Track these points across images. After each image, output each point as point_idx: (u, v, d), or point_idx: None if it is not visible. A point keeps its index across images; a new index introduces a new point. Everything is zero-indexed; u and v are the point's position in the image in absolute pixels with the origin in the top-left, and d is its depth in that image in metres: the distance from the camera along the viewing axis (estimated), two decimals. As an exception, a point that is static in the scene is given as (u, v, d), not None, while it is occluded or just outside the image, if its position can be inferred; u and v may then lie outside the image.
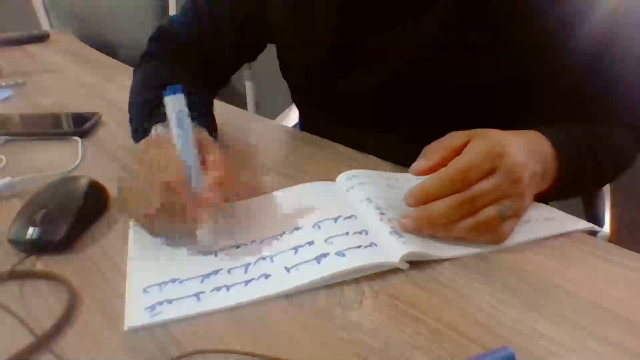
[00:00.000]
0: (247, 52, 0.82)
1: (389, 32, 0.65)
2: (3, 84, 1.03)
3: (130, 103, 0.71)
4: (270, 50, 0.81)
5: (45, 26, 1.79)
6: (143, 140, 0.54)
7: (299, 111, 0.89)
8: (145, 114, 0.62)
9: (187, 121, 0.48)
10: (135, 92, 0.72)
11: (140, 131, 0.62)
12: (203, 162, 0.49)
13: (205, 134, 0.55)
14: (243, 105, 1.37)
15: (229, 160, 0.51)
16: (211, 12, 0.76)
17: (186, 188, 0.47)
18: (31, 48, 1.35)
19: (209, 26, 0.77)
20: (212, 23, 0.76)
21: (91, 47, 1.36)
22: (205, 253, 0.47)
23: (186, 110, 0.48)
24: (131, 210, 0.50)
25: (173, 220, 0.47)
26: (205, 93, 0.73)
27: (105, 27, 1.77)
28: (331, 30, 0.69)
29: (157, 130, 0.56)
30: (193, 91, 0.68)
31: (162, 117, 0.53)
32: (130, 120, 0.70)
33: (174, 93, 0.47)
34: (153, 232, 0.49)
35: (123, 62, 1.19)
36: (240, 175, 0.53)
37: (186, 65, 0.75)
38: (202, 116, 0.62)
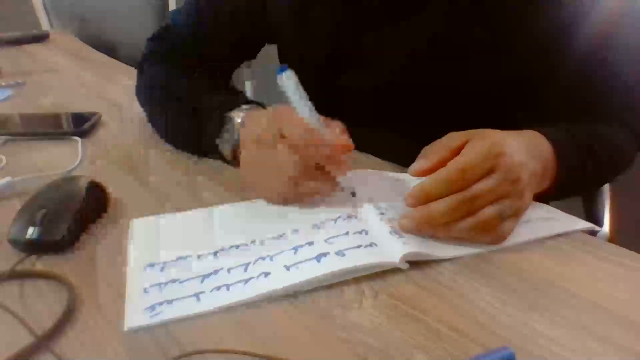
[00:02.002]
0: (248, 50, 0.82)
1: (388, 31, 0.65)
2: (3, 84, 1.03)
3: (166, 105, 0.71)
4: (271, 50, 0.81)
5: (45, 26, 1.79)
6: (254, 123, 0.56)
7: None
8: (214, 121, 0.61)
9: (302, 91, 0.52)
10: (165, 92, 0.72)
11: (205, 138, 0.62)
12: None
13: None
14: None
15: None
16: (212, 12, 0.76)
17: (323, 146, 0.50)
18: (31, 48, 1.35)
19: (210, 25, 0.77)
20: (213, 22, 0.76)
21: (91, 47, 1.36)
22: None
23: (298, 82, 0.52)
24: (271, 189, 0.53)
25: (317, 177, 0.51)
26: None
27: (105, 27, 1.77)
28: (331, 30, 0.69)
29: (247, 112, 0.58)
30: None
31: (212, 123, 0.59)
32: (163, 123, 0.72)
33: (284, 70, 0.52)
34: (295, 197, 0.53)
35: (123, 62, 1.19)
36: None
37: (188, 65, 0.75)
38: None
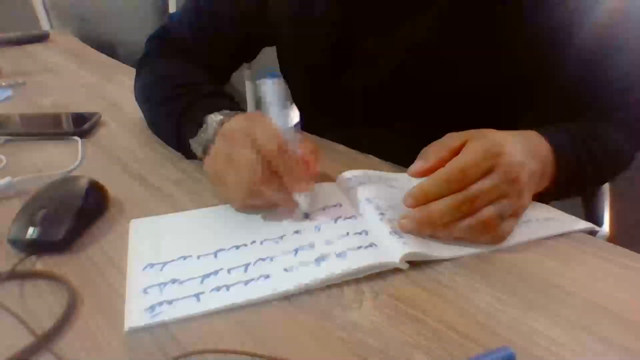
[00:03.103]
0: (246, 51, 0.82)
1: (387, 32, 0.65)
2: (3, 84, 1.03)
3: (154, 107, 0.72)
4: (271, 50, 0.81)
5: (45, 26, 1.79)
6: (230, 123, 0.55)
7: (299, 111, 0.89)
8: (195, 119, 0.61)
9: (287, 102, 0.51)
10: (155, 94, 0.72)
11: (186, 135, 0.62)
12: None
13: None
14: (243, 105, 1.37)
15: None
16: (212, 11, 0.76)
17: (288, 156, 0.49)
18: (31, 48, 1.35)
19: (209, 25, 0.77)
20: (213, 22, 0.76)
21: (91, 47, 1.36)
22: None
23: (285, 91, 0.51)
24: (228, 189, 0.52)
25: (275, 187, 0.49)
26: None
27: (105, 27, 1.77)
28: (331, 31, 0.69)
29: (226, 116, 0.57)
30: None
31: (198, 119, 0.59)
32: (154, 123, 0.72)
33: (273, 77, 0.51)
34: (250, 202, 0.51)
35: (123, 62, 1.19)
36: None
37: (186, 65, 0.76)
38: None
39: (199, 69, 0.75)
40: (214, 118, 0.58)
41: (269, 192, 0.50)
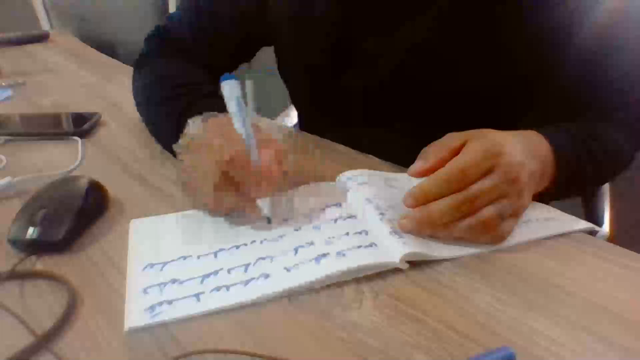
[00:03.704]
0: (246, 51, 0.82)
1: (389, 31, 0.65)
2: (3, 84, 1.03)
3: (153, 107, 0.72)
4: (271, 50, 0.81)
5: (45, 26, 1.79)
6: (203, 125, 0.56)
7: (297, 111, 0.89)
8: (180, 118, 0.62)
9: (243, 104, 0.50)
10: (154, 94, 0.72)
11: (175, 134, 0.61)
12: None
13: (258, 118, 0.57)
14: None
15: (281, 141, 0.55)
16: (212, 11, 0.76)
17: (249, 162, 0.50)
18: (31, 48, 1.35)
19: (209, 25, 0.77)
20: (213, 22, 0.76)
21: (91, 47, 1.36)
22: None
23: (241, 93, 0.51)
24: (196, 189, 0.52)
25: (235, 192, 0.50)
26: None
27: (105, 27, 1.77)
28: (331, 31, 0.69)
29: (207, 118, 0.57)
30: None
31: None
32: (153, 123, 0.72)
33: (229, 79, 0.50)
34: (215, 207, 0.52)
35: (123, 62, 1.19)
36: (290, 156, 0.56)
37: (184, 64, 0.76)
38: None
39: (199, 69, 0.75)
40: (192, 122, 0.58)
41: (229, 199, 0.50)
